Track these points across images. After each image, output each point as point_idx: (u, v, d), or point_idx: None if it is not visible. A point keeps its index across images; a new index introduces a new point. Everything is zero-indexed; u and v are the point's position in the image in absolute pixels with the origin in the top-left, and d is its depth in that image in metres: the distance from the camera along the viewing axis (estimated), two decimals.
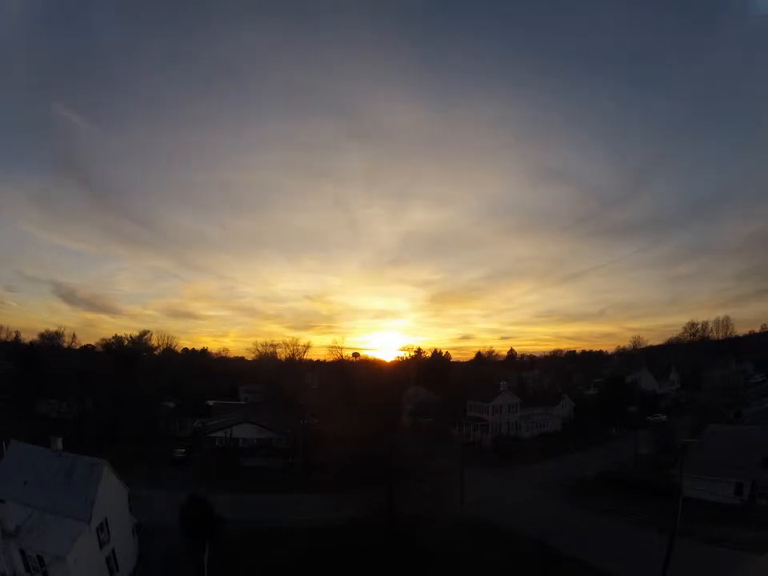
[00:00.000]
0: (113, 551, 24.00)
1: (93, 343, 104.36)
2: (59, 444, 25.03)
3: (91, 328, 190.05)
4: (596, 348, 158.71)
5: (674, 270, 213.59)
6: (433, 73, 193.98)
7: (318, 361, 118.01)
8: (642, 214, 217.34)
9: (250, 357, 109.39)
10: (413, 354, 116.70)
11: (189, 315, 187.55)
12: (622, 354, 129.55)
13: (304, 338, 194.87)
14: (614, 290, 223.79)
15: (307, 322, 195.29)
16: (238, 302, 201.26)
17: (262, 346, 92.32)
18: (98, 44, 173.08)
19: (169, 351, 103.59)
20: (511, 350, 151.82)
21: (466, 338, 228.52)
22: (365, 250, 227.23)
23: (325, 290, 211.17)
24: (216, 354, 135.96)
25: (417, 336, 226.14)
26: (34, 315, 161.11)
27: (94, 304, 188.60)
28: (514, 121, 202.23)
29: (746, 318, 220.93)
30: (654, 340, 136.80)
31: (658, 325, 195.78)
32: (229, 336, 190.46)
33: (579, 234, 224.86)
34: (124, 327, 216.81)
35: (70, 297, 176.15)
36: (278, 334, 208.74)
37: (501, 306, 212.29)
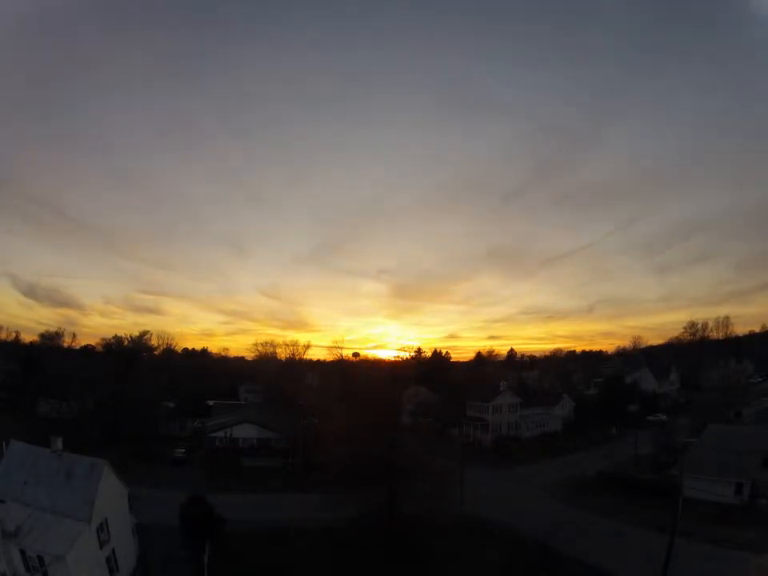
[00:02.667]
0: (113, 551, 23.98)
1: (93, 343, 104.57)
2: (59, 444, 24.99)
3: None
4: (596, 348, 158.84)
5: (662, 257, 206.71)
6: None
7: (318, 361, 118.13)
8: (615, 174, 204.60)
9: (250, 357, 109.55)
10: (413, 353, 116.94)
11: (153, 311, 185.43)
12: (622, 353, 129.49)
13: (262, 333, 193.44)
14: (598, 280, 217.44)
15: (266, 319, 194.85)
16: (198, 298, 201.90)
17: (262, 345, 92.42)
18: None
19: (169, 351, 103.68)
20: (511, 349, 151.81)
21: (452, 336, 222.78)
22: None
23: (278, 285, 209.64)
24: (216, 353, 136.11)
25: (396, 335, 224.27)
26: None
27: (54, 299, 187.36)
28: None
29: (746, 314, 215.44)
30: (654, 340, 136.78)
31: (657, 323, 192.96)
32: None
33: (543, 198, 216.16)
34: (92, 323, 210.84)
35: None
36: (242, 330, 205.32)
37: (479, 300, 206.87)
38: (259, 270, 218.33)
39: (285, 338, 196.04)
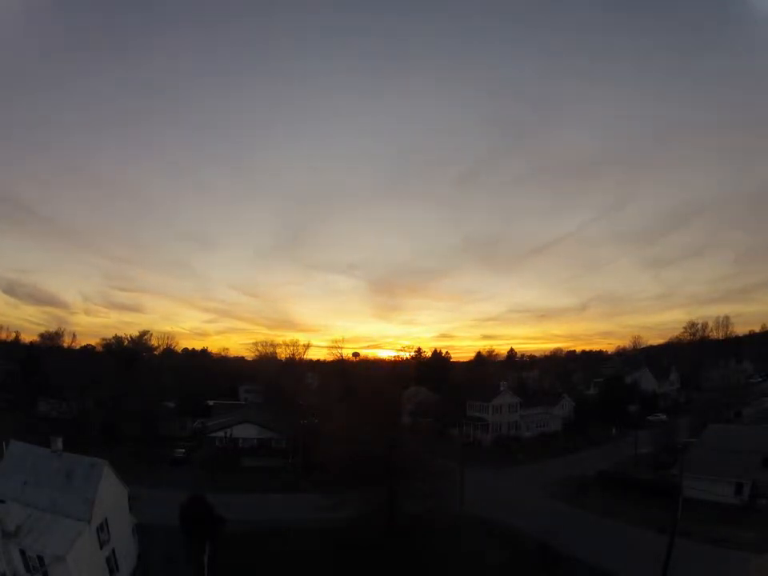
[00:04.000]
0: (113, 551, 23.98)
1: (93, 343, 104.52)
2: (59, 444, 25.00)
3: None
4: (595, 348, 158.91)
5: (655, 249, 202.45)
6: None
7: (317, 361, 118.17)
8: (598, 155, 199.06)
9: (249, 357, 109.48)
10: (413, 353, 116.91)
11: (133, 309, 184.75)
12: (621, 353, 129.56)
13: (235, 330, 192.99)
14: (588, 274, 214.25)
15: (253, 318, 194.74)
16: (177, 296, 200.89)
17: (262, 345, 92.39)
18: None
19: (169, 351, 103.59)
20: (511, 349, 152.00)
21: (445, 336, 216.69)
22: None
23: (253, 282, 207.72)
24: (216, 353, 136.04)
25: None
26: None
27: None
28: None
29: (747, 312, 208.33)
30: (654, 339, 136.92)
31: (655, 322, 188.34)
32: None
33: (520, 178, 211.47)
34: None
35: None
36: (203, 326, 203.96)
37: (466, 297, 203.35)
38: (230, 265, 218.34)
39: (274, 338, 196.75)
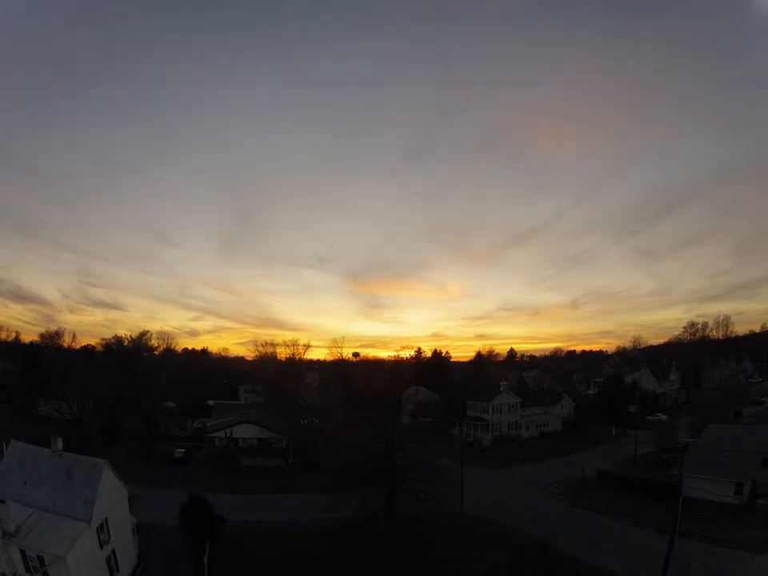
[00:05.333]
0: (113, 551, 23.99)
1: (93, 343, 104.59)
2: (59, 444, 24.97)
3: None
4: (595, 347, 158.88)
5: (645, 239, 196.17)
6: None
7: (318, 361, 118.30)
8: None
9: (249, 357, 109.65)
10: (413, 353, 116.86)
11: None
12: (622, 353, 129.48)
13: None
14: (573, 267, 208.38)
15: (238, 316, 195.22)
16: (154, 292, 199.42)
17: (262, 345, 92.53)
18: None
19: (169, 351, 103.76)
20: (511, 349, 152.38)
21: (437, 335, 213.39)
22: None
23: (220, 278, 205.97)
24: (216, 353, 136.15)
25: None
26: None
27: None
28: None
29: (748, 310, 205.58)
30: (654, 339, 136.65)
31: (654, 321, 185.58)
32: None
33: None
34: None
35: None
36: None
37: (451, 294, 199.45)
38: (199, 261, 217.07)
39: (263, 337, 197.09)
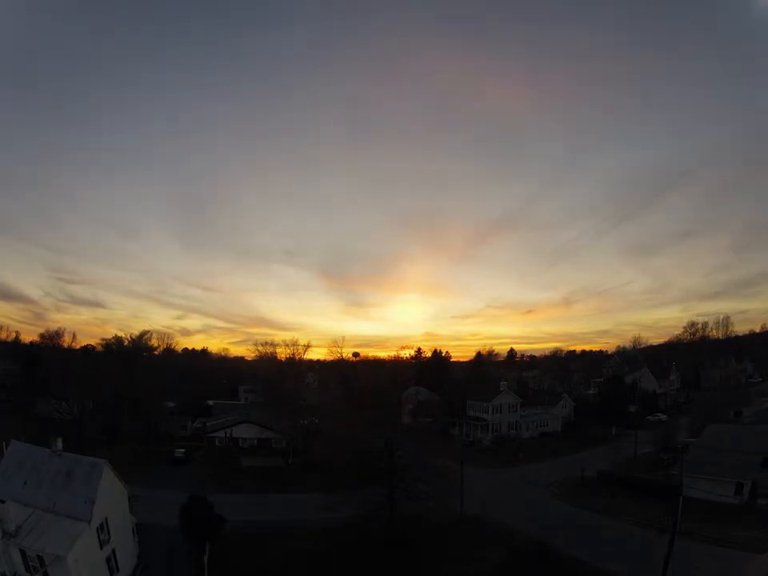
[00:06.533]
0: (113, 551, 23.97)
1: (93, 343, 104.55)
2: (59, 444, 24.97)
3: None
4: (595, 347, 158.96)
5: (634, 229, 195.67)
6: None
7: (318, 361, 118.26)
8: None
9: (249, 357, 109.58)
10: (413, 353, 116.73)
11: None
12: (622, 353, 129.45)
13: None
14: (560, 261, 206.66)
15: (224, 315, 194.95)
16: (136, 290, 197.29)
17: (262, 345, 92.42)
18: None
19: (169, 351, 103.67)
20: (511, 349, 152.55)
21: (429, 335, 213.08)
22: None
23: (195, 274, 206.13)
24: (216, 353, 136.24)
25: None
26: None
27: None
28: None
29: (749, 309, 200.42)
30: (654, 339, 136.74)
31: (652, 320, 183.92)
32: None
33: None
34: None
35: None
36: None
37: (436, 290, 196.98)
38: (168, 256, 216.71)
39: (254, 336, 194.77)
